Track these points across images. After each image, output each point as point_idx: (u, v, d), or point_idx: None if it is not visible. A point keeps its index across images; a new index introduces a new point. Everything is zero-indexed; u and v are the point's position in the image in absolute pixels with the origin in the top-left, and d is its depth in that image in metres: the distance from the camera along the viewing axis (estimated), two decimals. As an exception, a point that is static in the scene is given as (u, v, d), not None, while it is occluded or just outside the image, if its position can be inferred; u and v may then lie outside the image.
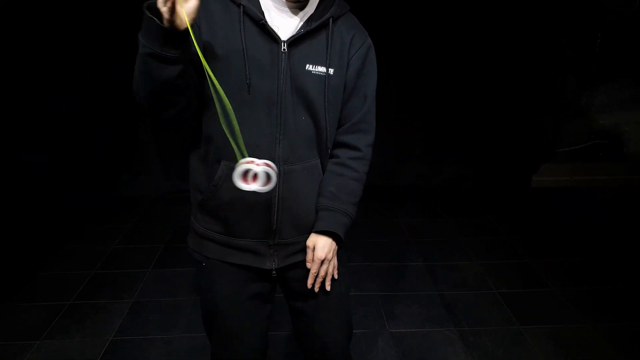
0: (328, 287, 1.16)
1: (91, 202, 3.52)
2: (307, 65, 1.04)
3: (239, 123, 0.99)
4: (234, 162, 1.05)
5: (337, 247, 1.14)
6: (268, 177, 0.98)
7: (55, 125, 3.48)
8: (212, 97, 0.97)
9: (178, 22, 0.86)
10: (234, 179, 0.98)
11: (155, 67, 0.89)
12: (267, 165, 0.98)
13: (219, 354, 1.24)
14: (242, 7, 1.00)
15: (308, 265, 1.13)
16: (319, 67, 1.05)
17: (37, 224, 3.18)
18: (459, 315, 2.24)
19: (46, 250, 2.82)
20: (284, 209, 1.09)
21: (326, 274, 1.14)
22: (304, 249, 1.15)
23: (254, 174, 0.98)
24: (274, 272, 1.15)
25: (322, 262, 1.12)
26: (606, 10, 3.73)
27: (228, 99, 0.96)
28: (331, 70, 1.06)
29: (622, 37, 3.82)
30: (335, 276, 1.17)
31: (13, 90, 3.28)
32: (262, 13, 1.02)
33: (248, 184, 0.98)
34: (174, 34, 0.87)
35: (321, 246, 1.11)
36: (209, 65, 0.95)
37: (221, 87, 0.94)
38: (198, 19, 1.00)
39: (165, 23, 0.86)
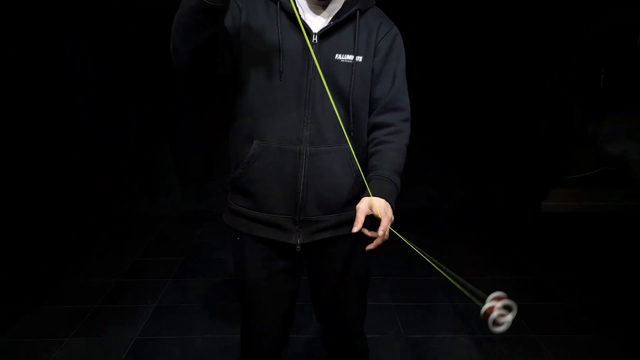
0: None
1: (112, 220, 3.65)
2: (337, 55, 1.14)
3: (269, 106, 1.11)
4: (266, 141, 1.15)
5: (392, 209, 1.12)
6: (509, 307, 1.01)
7: (83, 145, 3.65)
8: (246, 76, 1.11)
9: None
10: (491, 327, 1.00)
11: (202, 19, 0.95)
12: (500, 298, 1.02)
13: (248, 320, 1.34)
14: (279, 2, 1.13)
15: (355, 228, 1.05)
16: (348, 56, 1.15)
17: (61, 237, 3.30)
18: (472, 324, 2.28)
19: (70, 261, 2.93)
20: (309, 187, 1.17)
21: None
22: (329, 227, 1.22)
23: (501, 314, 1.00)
24: (298, 246, 1.22)
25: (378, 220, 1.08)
26: (609, 47, 3.90)
27: (260, 85, 1.10)
28: (359, 58, 1.15)
29: (625, 71, 3.98)
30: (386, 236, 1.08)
31: (31, 110, 3.43)
32: (297, 8, 1.13)
33: (502, 322, 1.00)
34: None
35: (382, 204, 1.09)
36: (247, 49, 1.11)
37: (255, 74, 1.08)
38: (241, 2, 1.13)
39: None
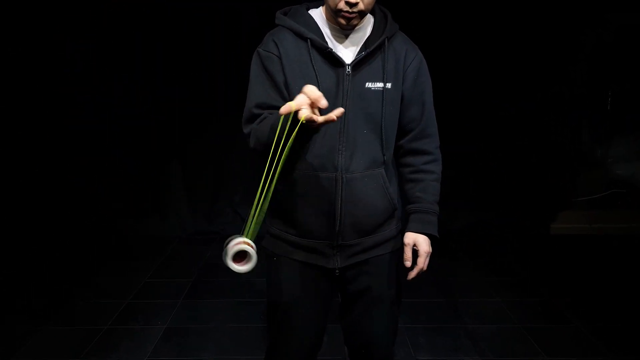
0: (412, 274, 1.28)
1: (122, 241, 3.68)
2: (367, 83, 1.20)
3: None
4: (302, 170, 1.20)
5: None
6: (249, 255, 1.01)
7: (94, 164, 3.67)
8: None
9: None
10: (228, 260, 1.00)
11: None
12: (248, 244, 1.01)
13: (276, 344, 1.34)
14: (309, 40, 1.18)
15: (407, 263, 1.26)
16: (378, 83, 1.20)
17: (68, 254, 3.35)
18: (483, 346, 2.27)
19: (80, 281, 2.96)
20: (346, 213, 1.22)
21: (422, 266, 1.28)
22: (365, 250, 1.27)
23: (246, 253, 1.00)
24: (337, 271, 1.26)
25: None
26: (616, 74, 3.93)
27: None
28: (388, 85, 1.21)
29: (632, 94, 4.00)
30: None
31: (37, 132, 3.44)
32: (326, 42, 1.19)
33: (241, 265, 1.01)
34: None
35: (422, 241, 1.28)
36: (294, 91, 1.15)
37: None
38: (277, 51, 1.19)
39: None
